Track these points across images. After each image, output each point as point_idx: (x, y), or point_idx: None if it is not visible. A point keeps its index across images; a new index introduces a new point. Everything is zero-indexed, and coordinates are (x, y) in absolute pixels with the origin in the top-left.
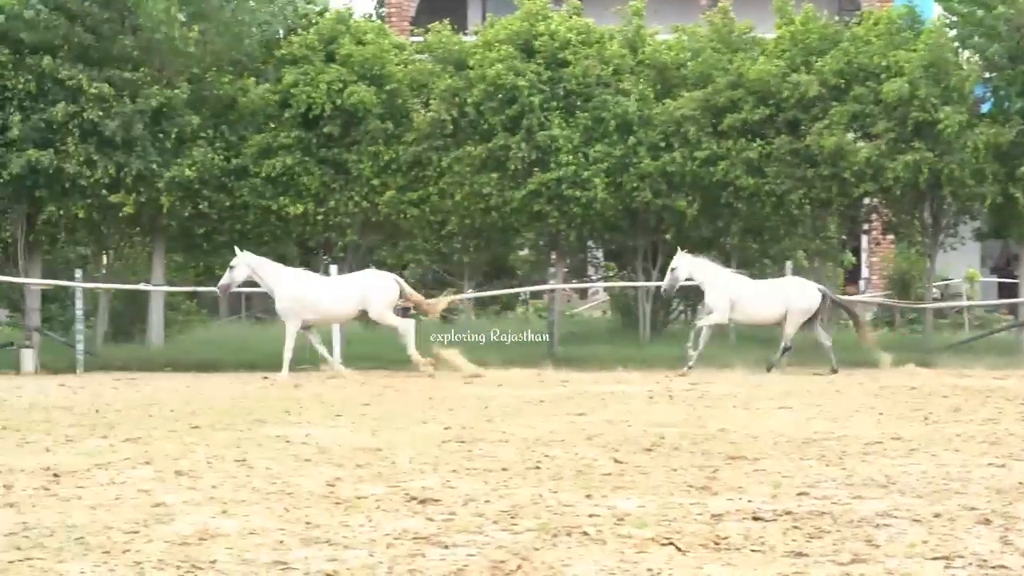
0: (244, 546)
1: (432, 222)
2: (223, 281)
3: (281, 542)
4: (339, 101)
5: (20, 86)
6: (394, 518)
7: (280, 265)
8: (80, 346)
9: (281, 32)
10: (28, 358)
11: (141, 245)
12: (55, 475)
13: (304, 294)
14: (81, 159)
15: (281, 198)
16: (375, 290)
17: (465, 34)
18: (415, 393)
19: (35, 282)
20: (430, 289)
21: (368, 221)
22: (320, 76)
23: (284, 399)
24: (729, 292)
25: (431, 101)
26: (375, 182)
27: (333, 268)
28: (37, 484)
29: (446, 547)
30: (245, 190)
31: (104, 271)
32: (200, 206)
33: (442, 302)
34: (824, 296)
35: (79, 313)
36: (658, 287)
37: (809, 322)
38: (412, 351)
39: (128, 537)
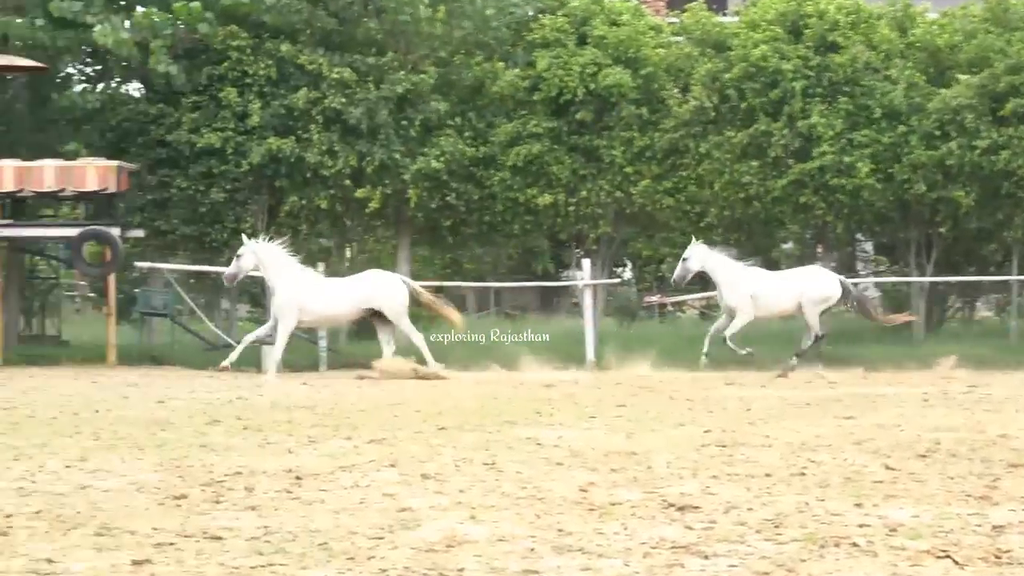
0: (493, 554)
1: (689, 213)
2: (230, 270)
3: (532, 550)
4: (592, 86)
5: (260, 72)
6: (651, 526)
7: (287, 259)
8: (323, 343)
9: (531, 13)
10: (270, 355)
11: (385, 238)
12: (297, 477)
13: (301, 295)
14: (323, 148)
15: (530, 188)
16: (386, 294)
17: (724, 14)
18: (672, 394)
19: None
20: (691, 285)
21: (621, 212)
22: (573, 59)
23: (535, 400)
24: (749, 288)
25: (691, 87)
26: (629, 170)
27: (585, 262)
28: (279, 487)
29: (706, 557)
30: (494, 180)
31: (347, 264)
32: (447, 198)
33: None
34: (844, 287)
35: None
36: (933, 283)
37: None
38: (426, 355)
39: (372, 543)
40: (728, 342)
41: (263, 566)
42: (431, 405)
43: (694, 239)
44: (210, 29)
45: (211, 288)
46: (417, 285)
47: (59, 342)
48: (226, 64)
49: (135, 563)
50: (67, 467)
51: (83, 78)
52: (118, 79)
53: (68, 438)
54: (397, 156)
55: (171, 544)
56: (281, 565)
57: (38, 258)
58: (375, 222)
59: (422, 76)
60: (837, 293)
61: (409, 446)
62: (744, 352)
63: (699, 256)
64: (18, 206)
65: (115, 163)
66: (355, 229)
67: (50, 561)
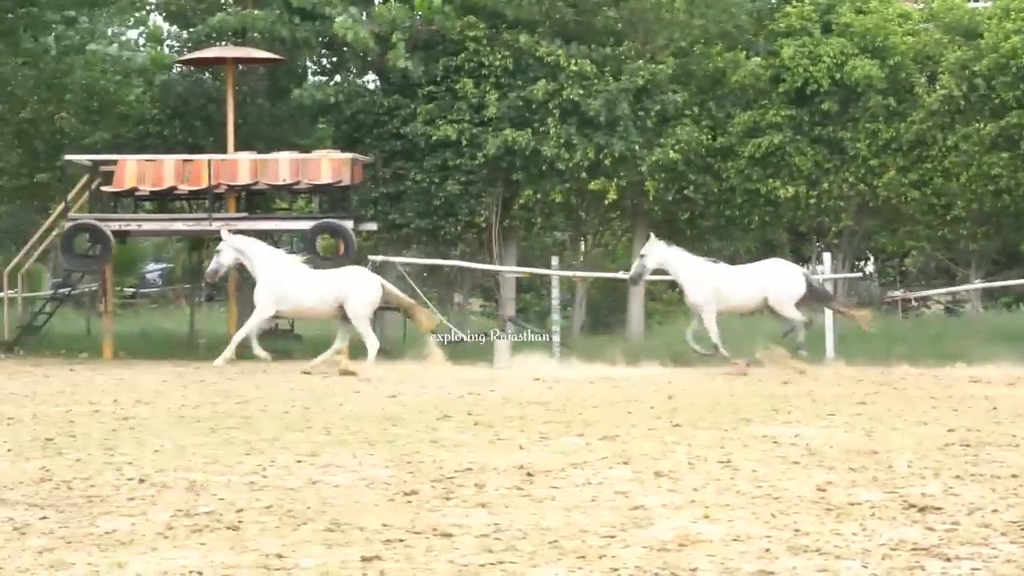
0: (727, 554)
1: (935, 206)
2: (210, 267)
3: (767, 550)
4: (839, 76)
5: (497, 63)
6: (890, 527)
7: (269, 249)
8: (556, 338)
9: (773, 1)
10: (502, 350)
11: (621, 231)
12: (529, 474)
13: (281, 285)
14: (560, 140)
15: (770, 180)
16: (355, 289)
17: (976, 0)
18: (915, 392)
19: (510, 270)
20: (931, 279)
21: (865, 204)
22: (819, 49)
23: (771, 396)
24: (710, 283)
25: (940, 75)
26: (873, 162)
27: (826, 255)
28: (510, 483)
29: (948, 560)
30: (731, 172)
31: (582, 258)
32: (685, 190)
33: (431, 316)
34: (807, 279)
35: (555, 303)
36: None
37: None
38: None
39: (604, 541)
40: (690, 342)
41: (493, 564)
42: (665, 401)
43: (652, 236)
44: (448, 21)
45: (444, 282)
46: (393, 287)
47: (292, 336)
48: (463, 55)
49: (364, 559)
50: (298, 462)
51: (319, 70)
52: (354, 71)
53: (299, 433)
54: (635, 148)
55: (401, 541)
56: (511, 563)
57: None
58: (611, 215)
59: (660, 66)
60: (803, 287)
61: (642, 443)
62: (704, 352)
63: (657, 253)
64: (253, 199)
65: (349, 156)
66: (590, 222)
67: (280, 556)
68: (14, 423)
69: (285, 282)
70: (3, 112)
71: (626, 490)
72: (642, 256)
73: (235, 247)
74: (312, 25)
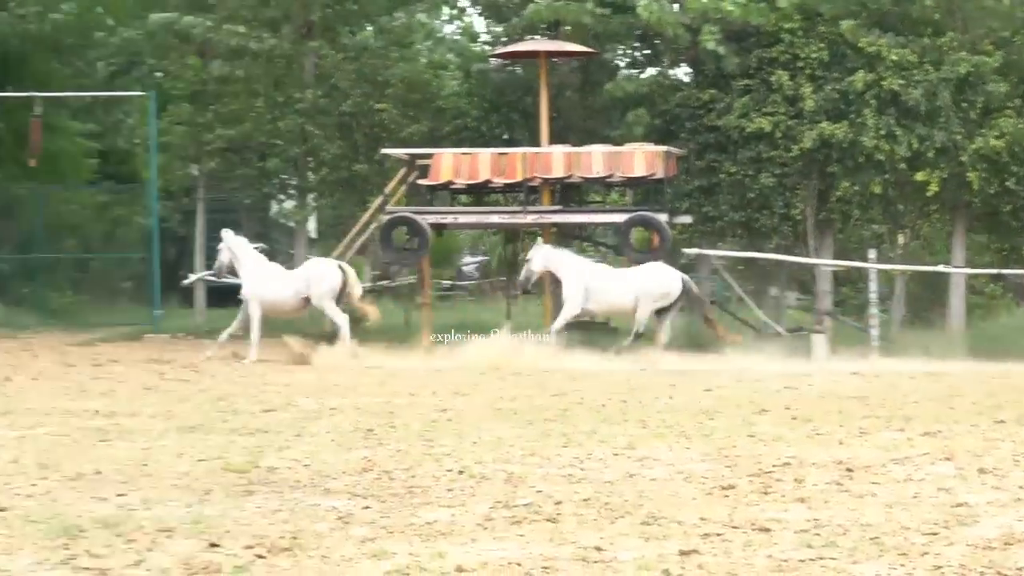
0: None
1: None
2: (215, 266)
3: None
4: None
5: (812, 55)
6: None
7: (251, 250)
8: (874, 332)
9: None
10: (820, 344)
11: (940, 223)
12: (848, 469)
13: (255, 282)
14: (881, 132)
15: None
16: (316, 278)
17: None
18: None
19: (826, 263)
20: None
21: None
22: None
23: None
24: (584, 281)
25: None
26: None
27: None
28: (829, 479)
29: None
30: None
31: (900, 251)
32: (1007, 182)
33: (374, 310)
34: (685, 285)
35: (872, 296)
36: None
37: (664, 311)
38: (346, 345)
39: (926, 539)
40: (553, 335)
41: (812, 559)
42: (988, 397)
43: (539, 240)
44: (762, 16)
45: (760, 275)
46: (355, 279)
47: (608, 329)
48: (777, 47)
49: (682, 553)
50: (615, 455)
51: (631, 63)
52: (666, 63)
53: (616, 426)
54: (957, 138)
55: (718, 535)
56: (831, 559)
57: (587, 244)
58: (929, 207)
59: (983, 58)
60: (677, 290)
61: (965, 439)
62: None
63: (541, 256)
64: (567, 192)
65: (663, 148)
66: (908, 214)
67: (598, 549)
68: (337, 414)
69: (258, 281)
70: (326, 105)
71: (949, 487)
72: (528, 260)
73: (229, 247)
74: (623, 17)
